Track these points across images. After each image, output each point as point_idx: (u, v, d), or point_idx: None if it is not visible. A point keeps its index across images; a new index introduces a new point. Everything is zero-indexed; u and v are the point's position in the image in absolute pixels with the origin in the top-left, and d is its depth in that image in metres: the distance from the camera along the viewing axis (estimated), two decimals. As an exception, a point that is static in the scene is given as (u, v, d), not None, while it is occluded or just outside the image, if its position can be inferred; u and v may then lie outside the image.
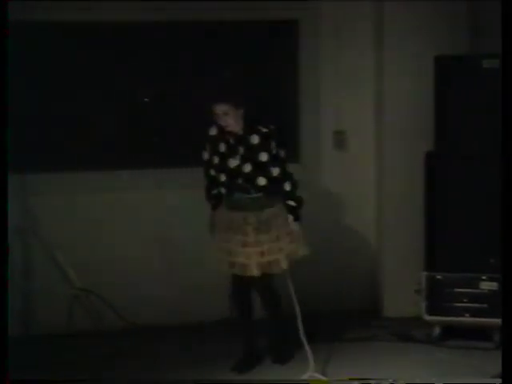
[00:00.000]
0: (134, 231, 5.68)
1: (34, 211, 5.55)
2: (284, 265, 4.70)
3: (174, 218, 5.69)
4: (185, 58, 5.75)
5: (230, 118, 4.56)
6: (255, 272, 4.65)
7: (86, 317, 5.54)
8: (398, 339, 5.38)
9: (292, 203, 4.73)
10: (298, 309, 4.82)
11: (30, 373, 4.77)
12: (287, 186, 4.71)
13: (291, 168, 4.81)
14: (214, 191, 4.79)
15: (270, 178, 4.66)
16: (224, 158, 4.65)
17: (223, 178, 4.68)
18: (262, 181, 4.65)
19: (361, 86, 5.89)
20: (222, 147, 4.67)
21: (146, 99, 5.80)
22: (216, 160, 4.68)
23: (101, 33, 5.61)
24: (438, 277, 5.30)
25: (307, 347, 4.78)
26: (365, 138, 5.93)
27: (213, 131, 4.70)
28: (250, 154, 4.62)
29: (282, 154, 4.68)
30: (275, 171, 4.66)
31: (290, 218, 4.73)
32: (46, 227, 5.53)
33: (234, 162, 4.63)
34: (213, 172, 4.74)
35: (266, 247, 4.66)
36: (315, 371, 4.66)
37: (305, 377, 4.60)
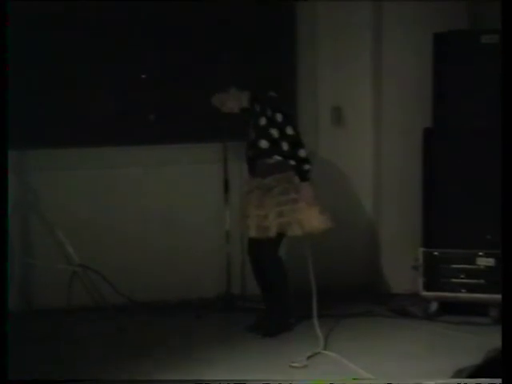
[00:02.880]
0: (134, 207, 5.68)
1: (34, 187, 5.55)
2: (291, 231, 4.83)
3: (174, 194, 5.70)
4: (184, 33, 5.73)
5: (230, 103, 4.99)
6: (254, 234, 4.85)
7: (85, 293, 5.56)
8: (395, 315, 5.41)
9: (292, 162, 4.87)
10: (314, 287, 4.95)
11: (29, 347, 4.81)
12: (284, 146, 4.87)
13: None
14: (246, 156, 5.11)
15: (272, 141, 4.87)
16: (245, 129, 5.01)
17: (247, 147, 5.04)
18: (263, 143, 4.89)
19: (359, 62, 5.88)
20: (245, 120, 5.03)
21: (143, 76, 5.78)
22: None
23: (100, 8, 5.59)
24: (435, 253, 5.32)
25: (317, 324, 4.82)
26: (363, 114, 5.93)
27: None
28: (254, 121, 4.93)
29: (279, 117, 4.86)
30: (274, 133, 4.86)
31: (296, 179, 4.89)
32: (46, 203, 5.53)
33: (249, 132, 4.99)
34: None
35: (268, 210, 4.82)
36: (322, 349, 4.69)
37: (311, 353, 4.62)
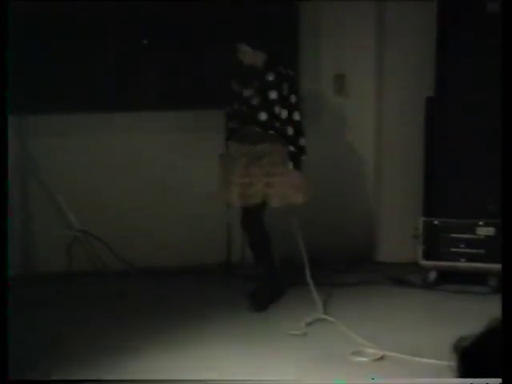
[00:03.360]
0: (133, 173, 5.68)
1: (33, 153, 5.54)
2: (273, 202, 4.74)
3: (175, 161, 5.68)
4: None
5: (254, 55, 4.77)
6: (237, 203, 4.78)
7: (85, 258, 5.58)
8: (394, 283, 5.43)
9: (292, 149, 4.77)
10: (304, 253, 4.96)
11: (29, 312, 4.83)
12: (290, 131, 4.76)
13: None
14: (229, 124, 4.95)
15: (273, 116, 4.73)
16: (241, 87, 4.80)
17: (236, 107, 4.83)
18: (263, 116, 4.74)
19: (362, 31, 5.84)
20: (242, 77, 4.82)
21: (145, 41, 5.74)
22: (236, 89, 4.83)
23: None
24: (436, 222, 5.33)
25: (314, 290, 4.83)
26: (365, 83, 5.90)
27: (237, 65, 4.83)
28: (262, 89, 4.74)
29: (293, 98, 4.75)
30: (283, 113, 4.74)
31: (290, 164, 4.77)
32: (46, 169, 5.52)
33: (247, 92, 4.77)
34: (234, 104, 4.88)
35: (254, 179, 4.73)
36: (323, 313, 4.71)
37: (310, 320, 4.64)
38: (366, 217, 6.02)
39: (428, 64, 5.27)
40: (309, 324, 4.60)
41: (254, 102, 4.77)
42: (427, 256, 5.36)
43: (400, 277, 5.49)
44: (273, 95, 4.74)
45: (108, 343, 4.38)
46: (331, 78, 5.89)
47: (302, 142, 4.82)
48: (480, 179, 5.20)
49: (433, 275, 5.38)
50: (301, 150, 4.82)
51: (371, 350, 4.26)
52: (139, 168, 5.68)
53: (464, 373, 1.32)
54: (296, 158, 4.79)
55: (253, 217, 4.86)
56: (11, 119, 5.39)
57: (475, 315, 4.47)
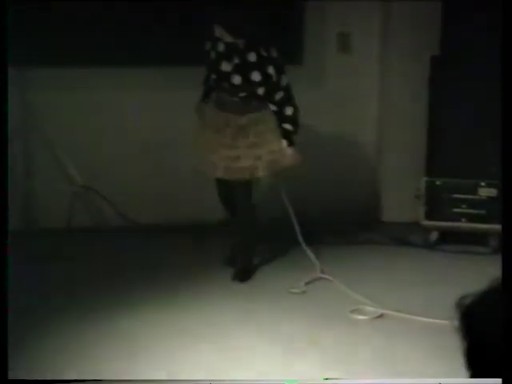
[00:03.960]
0: (135, 130, 5.65)
1: (34, 107, 5.51)
2: (261, 173, 4.58)
3: (175, 117, 5.65)
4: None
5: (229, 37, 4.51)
6: (222, 174, 4.58)
7: (86, 214, 5.58)
8: (396, 243, 5.43)
9: (289, 127, 4.58)
10: (294, 218, 4.91)
11: (30, 267, 4.84)
12: (289, 111, 4.56)
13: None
14: (207, 85, 4.71)
15: (257, 97, 4.52)
16: (219, 58, 4.54)
17: (214, 76, 4.60)
18: (256, 76, 4.49)
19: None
20: (221, 47, 4.54)
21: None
22: (213, 57, 4.56)
23: None
24: (438, 182, 5.32)
25: (307, 250, 4.85)
26: (369, 41, 5.84)
27: (217, 32, 4.57)
28: (244, 70, 4.49)
29: (284, 80, 4.54)
30: (278, 95, 4.53)
31: (284, 142, 4.57)
32: (47, 123, 5.50)
33: (226, 67, 4.51)
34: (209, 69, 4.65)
35: (242, 152, 4.53)
36: (321, 272, 4.72)
37: (309, 279, 4.66)
38: (368, 177, 6.00)
39: (433, 24, 5.22)
40: (308, 283, 4.61)
41: (236, 81, 4.51)
42: (429, 216, 5.36)
43: (401, 237, 5.50)
44: (256, 77, 4.50)
45: (105, 298, 4.39)
46: (335, 35, 5.83)
47: (299, 118, 4.62)
48: (483, 140, 5.17)
49: (434, 235, 5.39)
50: (298, 127, 4.62)
51: (371, 309, 4.28)
52: (141, 124, 5.65)
53: (466, 331, 1.31)
54: (291, 135, 4.60)
55: (240, 192, 4.67)
56: (13, 71, 5.37)
57: (476, 275, 4.49)
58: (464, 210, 5.29)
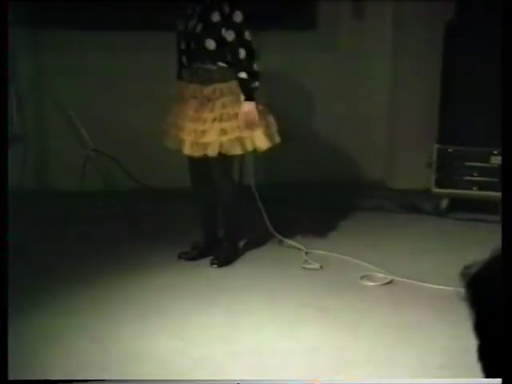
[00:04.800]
0: (147, 93, 5.64)
1: (47, 70, 5.52)
2: (233, 150, 4.19)
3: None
4: None
5: None
6: (189, 151, 4.21)
7: (98, 177, 5.61)
8: (406, 210, 5.44)
9: (243, 75, 4.12)
10: (260, 203, 4.75)
11: (42, 228, 4.88)
12: (241, 53, 4.11)
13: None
14: (180, 60, 4.36)
15: (221, 43, 4.12)
16: (186, 21, 4.21)
17: (183, 44, 4.25)
18: (210, 44, 4.12)
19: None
20: (187, 9, 4.22)
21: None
22: (180, 25, 4.26)
23: None
24: (449, 150, 5.31)
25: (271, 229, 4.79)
26: (384, 6, 5.80)
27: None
28: (203, 13, 4.14)
29: (238, 17, 4.09)
30: (229, 35, 4.10)
31: (242, 97, 4.14)
32: (60, 86, 5.50)
33: (191, 24, 4.18)
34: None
35: (207, 126, 4.16)
36: (308, 261, 4.59)
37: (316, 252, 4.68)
38: (379, 143, 5.99)
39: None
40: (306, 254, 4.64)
41: (198, 29, 4.15)
42: (440, 184, 5.35)
43: (412, 204, 5.50)
44: (215, 17, 4.11)
45: (117, 261, 4.44)
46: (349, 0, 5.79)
47: (255, 66, 4.16)
48: (496, 108, 5.13)
49: (445, 203, 5.39)
50: (254, 76, 4.15)
51: (380, 275, 4.30)
52: (152, 88, 5.64)
53: (472, 299, 1.33)
54: (248, 85, 4.14)
55: (216, 171, 4.28)
56: (26, 34, 5.38)
57: (485, 243, 4.48)
58: (475, 177, 5.28)
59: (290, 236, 4.84)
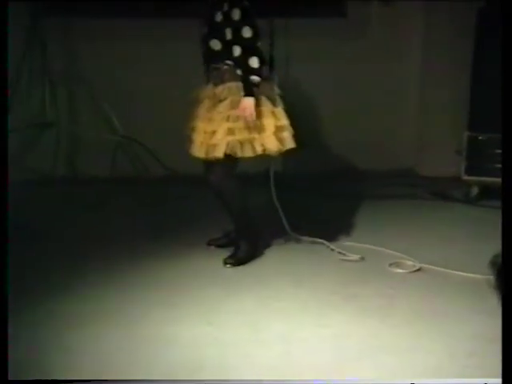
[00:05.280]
0: (173, 78, 5.65)
1: (78, 57, 5.55)
2: (240, 152, 4.09)
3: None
4: None
5: None
6: (198, 153, 4.16)
7: (128, 164, 5.64)
8: (436, 198, 5.42)
9: (239, 72, 4.06)
10: (278, 205, 4.69)
11: (74, 214, 4.93)
12: (236, 51, 4.05)
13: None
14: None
15: (225, 43, 4.07)
16: (202, 24, 4.19)
17: (201, 47, 4.23)
18: (216, 44, 4.11)
19: None
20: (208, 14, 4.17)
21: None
22: (200, 28, 4.24)
23: None
24: (480, 137, 5.28)
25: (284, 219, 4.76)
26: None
27: None
28: (209, 14, 4.12)
29: (235, 15, 4.02)
30: (228, 34, 4.06)
31: (241, 92, 4.05)
32: (92, 73, 5.54)
33: (203, 26, 4.17)
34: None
35: (216, 126, 4.11)
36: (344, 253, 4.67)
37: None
38: (409, 130, 5.97)
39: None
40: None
41: (206, 30, 4.13)
42: (470, 171, 5.33)
43: (442, 191, 5.49)
44: (218, 17, 4.06)
45: (147, 247, 4.48)
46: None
47: (254, 62, 4.02)
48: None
49: (475, 190, 5.37)
50: (251, 71, 4.02)
51: (409, 262, 4.30)
52: (179, 72, 5.66)
53: (501, 288, 1.34)
54: (245, 81, 4.04)
55: (218, 170, 4.19)
56: (58, 22, 5.42)
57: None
58: (506, 165, 5.24)
59: (319, 225, 4.83)
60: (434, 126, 5.81)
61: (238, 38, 4.03)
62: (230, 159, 4.11)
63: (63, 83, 5.45)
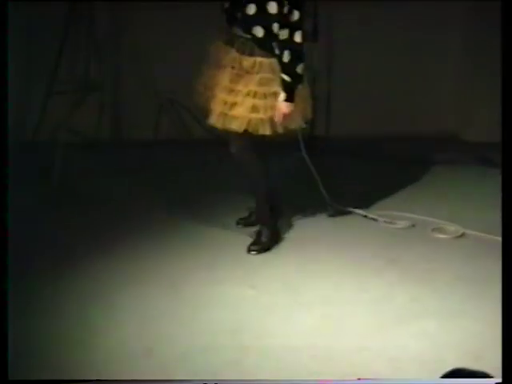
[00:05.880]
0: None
1: (123, 19, 5.57)
2: (262, 129, 3.94)
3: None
4: None
5: None
6: (214, 121, 4.00)
7: (171, 127, 5.67)
8: (481, 163, 5.36)
9: (286, 78, 3.86)
10: (311, 166, 4.57)
11: (118, 177, 4.99)
12: (286, 57, 3.84)
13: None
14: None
15: (270, 34, 3.86)
16: None
17: (226, 4, 3.99)
18: (259, 31, 3.88)
19: None
20: None
21: None
22: None
23: None
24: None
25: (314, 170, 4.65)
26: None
27: None
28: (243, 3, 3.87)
29: (295, 16, 3.82)
30: (283, 34, 3.83)
31: (282, 96, 3.88)
32: (134, 36, 5.54)
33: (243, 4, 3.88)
34: None
35: (239, 99, 3.93)
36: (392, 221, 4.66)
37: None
38: (454, 95, 5.90)
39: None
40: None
41: (250, 11, 3.86)
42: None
43: (486, 157, 5.42)
44: (272, 9, 3.82)
45: (190, 211, 4.51)
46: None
47: (301, 68, 3.89)
48: None
49: (519, 155, 5.30)
50: (298, 78, 3.90)
51: (452, 228, 4.28)
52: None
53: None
54: (290, 88, 3.89)
55: (240, 145, 4.06)
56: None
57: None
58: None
59: (360, 191, 4.84)
60: (480, 90, 5.72)
61: (290, 43, 3.83)
62: (249, 134, 3.97)
63: (107, 45, 5.47)
